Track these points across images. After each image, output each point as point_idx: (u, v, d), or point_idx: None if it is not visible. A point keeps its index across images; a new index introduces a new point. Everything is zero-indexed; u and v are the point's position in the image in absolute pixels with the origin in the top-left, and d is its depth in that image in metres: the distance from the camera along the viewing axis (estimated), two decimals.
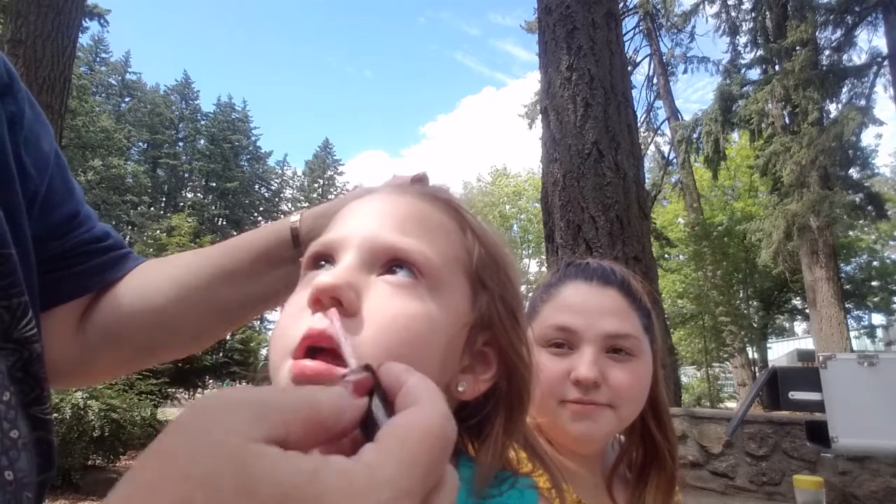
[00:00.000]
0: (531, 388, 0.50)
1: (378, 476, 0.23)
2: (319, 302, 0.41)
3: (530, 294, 0.92)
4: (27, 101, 0.59)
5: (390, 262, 0.44)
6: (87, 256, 0.66)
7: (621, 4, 14.63)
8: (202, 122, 48.09)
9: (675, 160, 17.94)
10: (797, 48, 13.54)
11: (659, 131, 18.42)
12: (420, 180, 0.66)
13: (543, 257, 8.67)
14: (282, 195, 52.43)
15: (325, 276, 0.42)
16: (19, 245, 0.53)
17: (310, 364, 0.39)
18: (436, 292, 0.45)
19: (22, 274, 0.52)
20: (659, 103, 18.49)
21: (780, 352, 20.01)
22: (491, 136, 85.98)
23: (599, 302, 0.82)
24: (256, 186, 50.13)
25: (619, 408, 0.78)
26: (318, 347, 0.39)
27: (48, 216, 0.61)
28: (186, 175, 46.13)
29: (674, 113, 18.46)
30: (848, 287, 17.68)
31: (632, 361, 0.80)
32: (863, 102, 13.17)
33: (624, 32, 9.27)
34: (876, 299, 20.01)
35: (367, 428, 0.26)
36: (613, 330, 0.79)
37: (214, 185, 46.24)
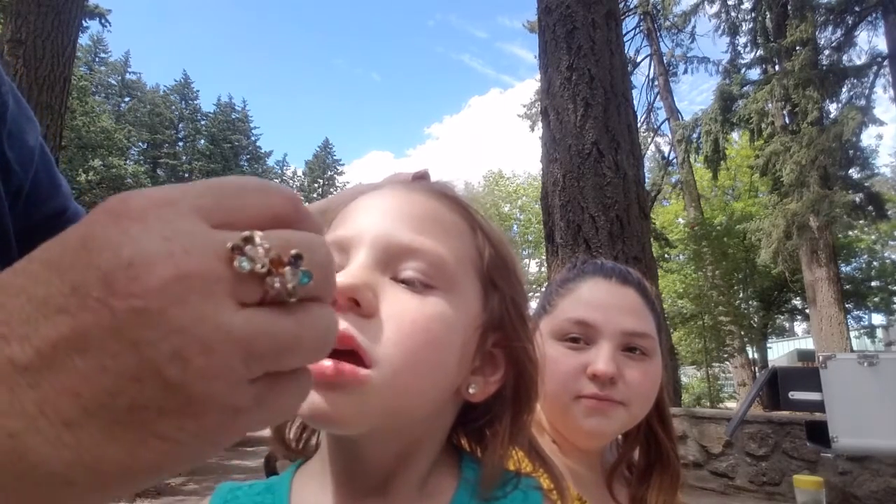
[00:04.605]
0: (538, 389, 0.50)
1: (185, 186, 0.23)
2: (335, 303, 0.40)
3: (541, 290, 0.92)
4: (11, 94, 0.57)
5: (405, 261, 0.43)
6: None
7: (621, 4, 14.62)
8: (202, 122, 48.08)
9: (675, 160, 17.93)
10: (797, 48, 13.54)
11: (659, 131, 18.43)
12: (422, 177, 0.66)
13: (543, 257, 8.67)
14: None
15: (340, 276, 0.41)
16: (1, 241, 0.52)
17: (329, 365, 0.38)
18: (451, 293, 0.44)
19: None
20: (659, 103, 18.51)
21: (780, 352, 20.01)
22: (496, 137, 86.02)
23: (619, 299, 0.82)
24: None
25: (632, 406, 0.78)
26: (335, 350, 0.39)
27: (33, 212, 0.59)
28: (186, 175, 46.09)
29: (674, 113, 18.45)
30: (848, 287, 17.65)
31: (646, 361, 0.80)
32: (863, 102, 13.16)
33: (624, 32, 9.28)
34: (876, 299, 20.00)
35: None
36: (631, 328, 0.79)
37: None
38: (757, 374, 15.85)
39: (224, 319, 0.21)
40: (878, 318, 21.40)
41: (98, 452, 0.20)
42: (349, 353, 0.39)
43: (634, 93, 11.94)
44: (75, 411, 0.19)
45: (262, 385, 0.22)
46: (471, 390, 0.47)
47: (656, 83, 18.40)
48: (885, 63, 12.93)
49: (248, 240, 0.22)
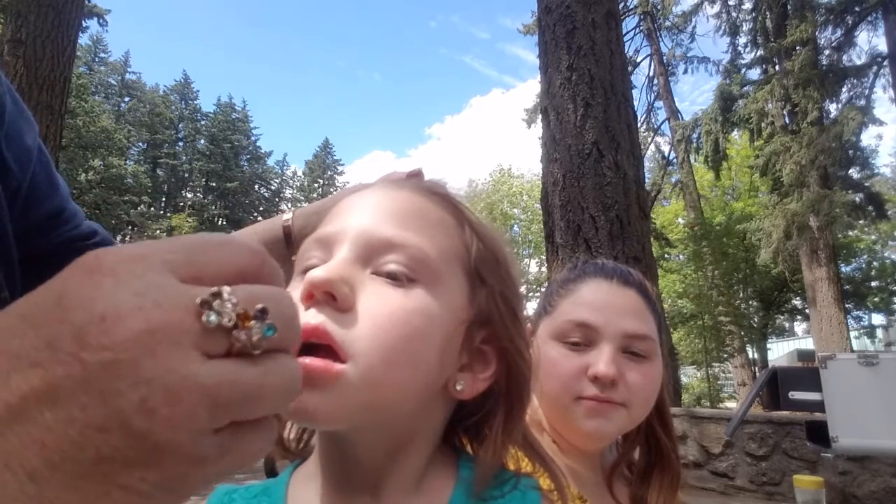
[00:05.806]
0: (531, 386, 0.49)
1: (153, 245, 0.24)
2: (313, 297, 0.40)
3: (541, 290, 0.92)
4: (9, 95, 0.57)
5: (386, 255, 0.43)
6: (73, 254, 0.65)
7: (621, 4, 14.61)
8: (202, 122, 48.06)
9: (675, 160, 17.92)
10: (797, 48, 13.52)
11: (659, 131, 18.41)
12: (415, 176, 0.66)
13: (543, 257, 8.67)
14: (282, 195, 52.46)
15: (318, 271, 0.41)
16: (1, 241, 0.53)
17: (306, 361, 0.37)
18: (433, 288, 0.44)
19: (4, 271, 0.52)
20: (659, 103, 18.49)
21: (780, 352, 20.00)
22: (497, 137, 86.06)
23: (620, 301, 0.82)
24: (256, 186, 50.12)
25: (632, 408, 0.78)
26: (312, 344, 0.38)
27: (31, 212, 0.59)
28: (186, 175, 46.08)
29: (674, 113, 18.44)
30: (848, 287, 17.65)
31: (646, 362, 0.80)
32: (863, 102, 13.16)
33: (624, 32, 9.26)
34: (876, 299, 20.00)
35: None
36: (632, 330, 0.79)
37: (214, 185, 46.21)
38: (757, 374, 15.84)
39: (191, 370, 0.21)
40: (878, 318, 21.45)
41: None
42: (326, 347, 0.39)
43: (634, 93, 11.91)
44: (41, 464, 0.19)
45: (226, 434, 0.23)
46: (458, 387, 0.46)
47: (656, 83, 18.38)
48: (885, 63, 12.92)
49: (217, 295, 0.23)
